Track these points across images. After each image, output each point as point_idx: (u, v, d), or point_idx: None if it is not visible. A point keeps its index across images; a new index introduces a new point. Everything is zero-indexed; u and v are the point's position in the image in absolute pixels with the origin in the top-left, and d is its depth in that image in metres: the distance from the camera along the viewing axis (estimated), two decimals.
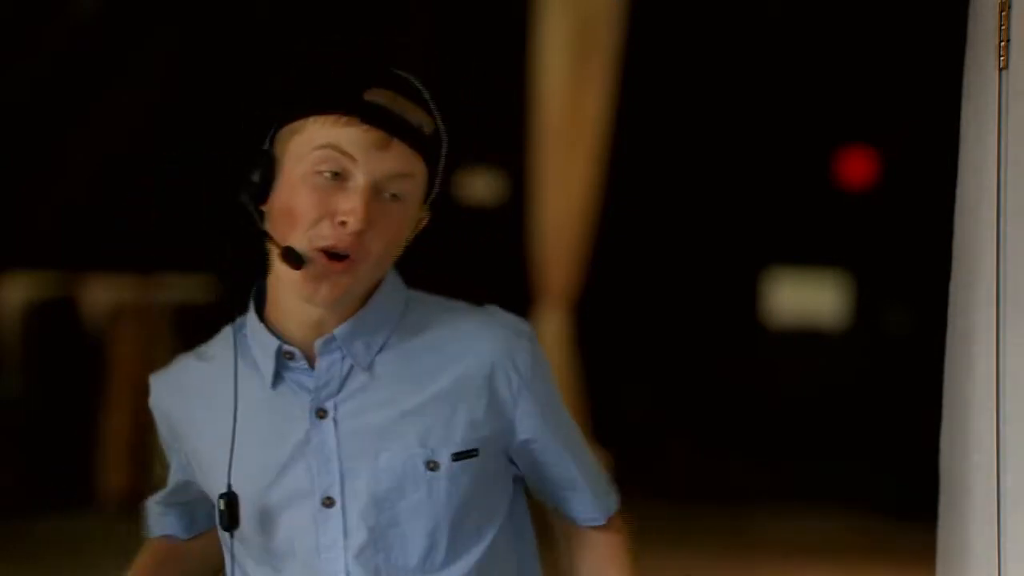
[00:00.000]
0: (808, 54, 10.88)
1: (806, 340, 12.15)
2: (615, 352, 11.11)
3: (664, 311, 11.52)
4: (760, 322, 12.26)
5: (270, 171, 1.81)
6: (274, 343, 1.84)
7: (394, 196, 1.78)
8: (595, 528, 2.02)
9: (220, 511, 1.84)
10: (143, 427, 8.69)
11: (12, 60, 9.56)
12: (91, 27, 9.80)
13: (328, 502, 1.82)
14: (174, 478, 2.02)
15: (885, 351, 11.46)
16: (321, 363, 1.83)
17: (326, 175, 1.76)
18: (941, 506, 1.90)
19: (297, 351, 1.83)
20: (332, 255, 1.77)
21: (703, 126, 11.18)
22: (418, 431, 1.83)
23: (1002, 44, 1.83)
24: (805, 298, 12.34)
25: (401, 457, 1.82)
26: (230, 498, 1.82)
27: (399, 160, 1.78)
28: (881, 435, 10.11)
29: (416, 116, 1.80)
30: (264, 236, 1.83)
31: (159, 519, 2.09)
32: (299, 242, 1.77)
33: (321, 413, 1.83)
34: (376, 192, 1.77)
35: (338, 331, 1.82)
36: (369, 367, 1.84)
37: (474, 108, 9.18)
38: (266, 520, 1.84)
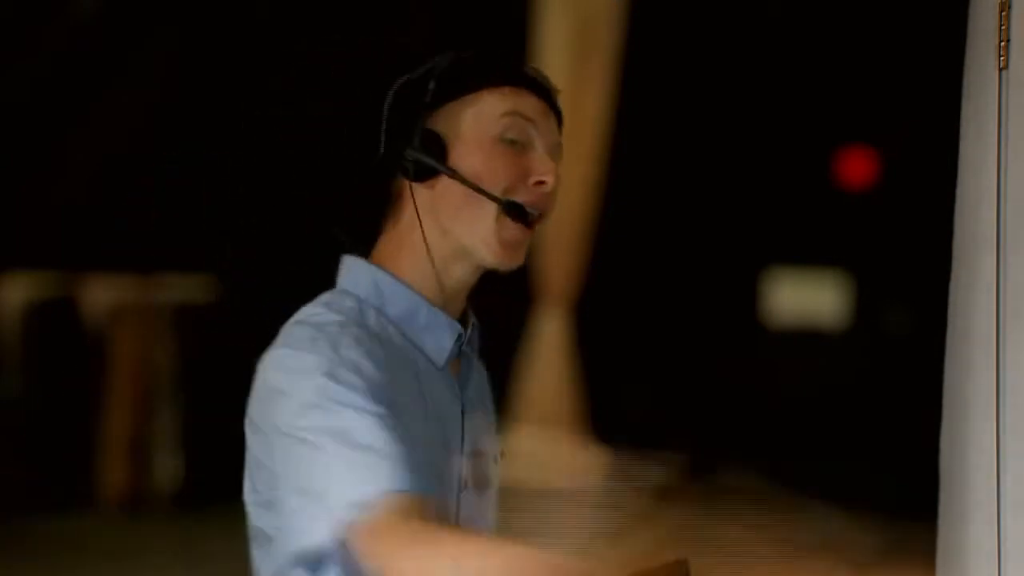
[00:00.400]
0: (808, 54, 10.88)
1: (806, 340, 12.15)
2: (615, 352, 11.11)
3: (664, 311, 11.52)
4: (760, 322, 12.26)
5: (441, 144, 1.86)
6: (456, 326, 1.90)
7: None
8: None
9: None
10: (143, 427, 8.69)
11: (12, 60, 9.56)
12: (91, 27, 9.80)
13: (464, 484, 1.88)
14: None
15: (885, 351, 11.46)
16: (468, 349, 1.93)
17: (511, 141, 1.86)
18: (941, 506, 1.90)
19: (464, 334, 1.92)
20: (535, 215, 1.88)
21: (703, 126, 11.18)
22: (488, 424, 1.98)
23: (1002, 44, 1.83)
24: (805, 298, 12.34)
25: (492, 448, 1.96)
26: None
27: (555, 129, 1.92)
28: (881, 435, 10.11)
29: (552, 86, 1.96)
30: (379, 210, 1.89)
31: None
32: (493, 205, 1.85)
33: (463, 397, 1.92)
34: None
35: (474, 321, 1.95)
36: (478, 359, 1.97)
37: None
38: (442, 494, 1.86)
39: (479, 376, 1.99)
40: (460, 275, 1.90)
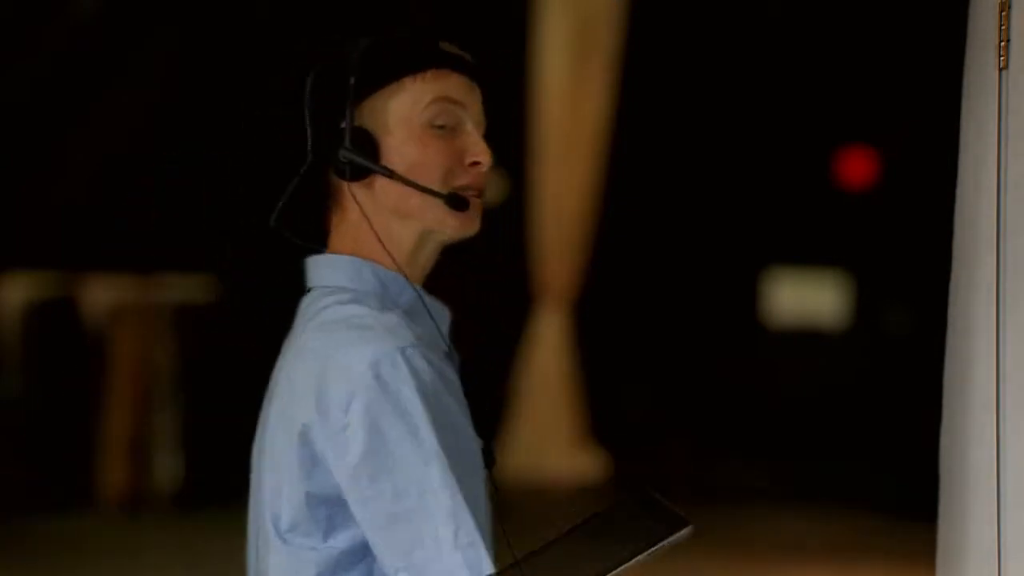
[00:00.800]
0: (808, 54, 10.89)
1: (806, 340, 12.15)
2: (615, 352, 11.11)
3: (664, 311, 11.53)
4: (760, 322, 12.27)
5: (372, 140, 1.85)
6: (446, 309, 1.92)
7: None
8: None
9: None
10: (143, 427, 8.69)
11: (12, 60, 9.56)
12: (91, 27, 9.81)
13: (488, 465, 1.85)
14: None
15: (885, 351, 11.47)
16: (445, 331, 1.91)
17: (440, 126, 1.86)
18: (941, 506, 1.90)
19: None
20: (473, 194, 1.88)
21: (703, 126, 11.19)
22: None
23: (1002, 44, 1.83)
24: (805, 298, 12.34)
25: None
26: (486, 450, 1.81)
27: (480, 101, 1.91)
28: (881, 435, 10.12)
29: (470, 56, 1.92)
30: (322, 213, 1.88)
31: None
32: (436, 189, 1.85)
33: None
34: None
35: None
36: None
37: None
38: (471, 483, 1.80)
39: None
40: (428, 254, 1.89)
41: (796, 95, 10.99)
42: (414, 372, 1.74)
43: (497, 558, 1.73)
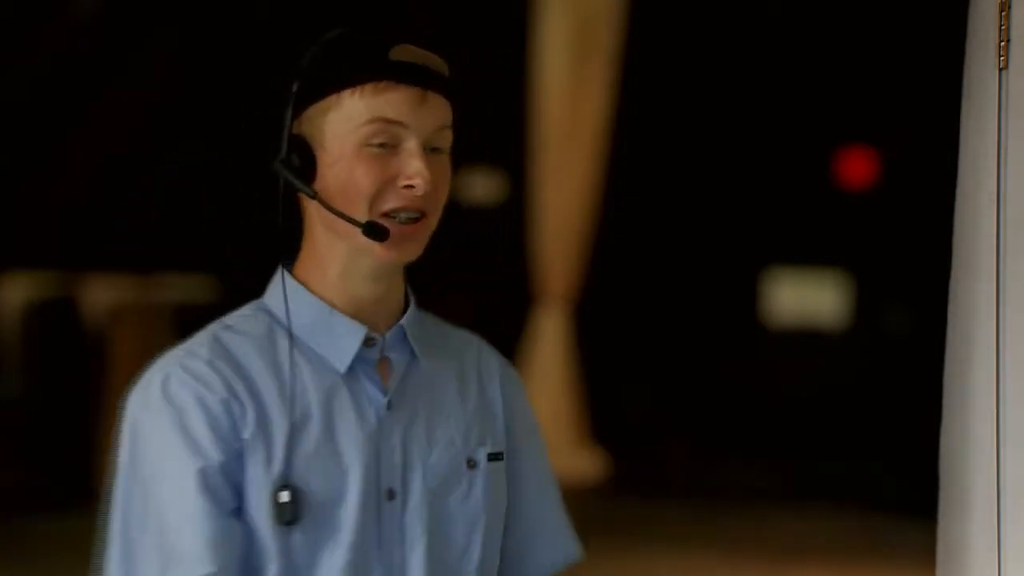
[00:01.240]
0: (808, 54, 10.88)
1: (806, 340, 12.15)
2: (615, 352, 11.11)
3: (664, 311, 11.52)
4: (760, 322, 12.27)
5: (309, 154, 1.78)
6: (360, 329, 1.80)
7: (435, 149, 1.79)
8: None
9: (282, 504, 1.74)
10: None
11: (12, 60, 9.56)
12: (91, 27, 9.81)
13: (390, 495, 1.79)
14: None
15: (885, 351, 11.46)
16: (393, 354, 1.83)
17: (380, 144, 1.76)
18: (941, 506, 1.90)
19: (379, 337, 1.82)
20: (406, 220, 1.77)
21: (703, 126, 11.18)
22: (461, 429, 1.87)
23: (1002, 44, 1.83)
24: (805, 298, 12.34)
25: (448, 454, 1.84)
26: (295, 490, 1.74)
27: (437, 112, 1.79)
28: (881, 435, 10.11)
29: (436, 62, 1.81)
30: (295, 221, 1.83)
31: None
32: (363, 216, 1.76)
33: (390, 404, 1.82)
34: (424, 148, 1.78)
35: (405, 322, 1.84)
36: (425, 360, 1.87)
37: (474, 108, 9.18)
38: (333, 515, 1.77)
39: (439, 377, 1.88)
40: (366, 275, 1.81)
41: (796, 95, 10.98)
42: (166, 400, 1.77)
43: None
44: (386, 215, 1.76)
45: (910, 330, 11.33)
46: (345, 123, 1.76)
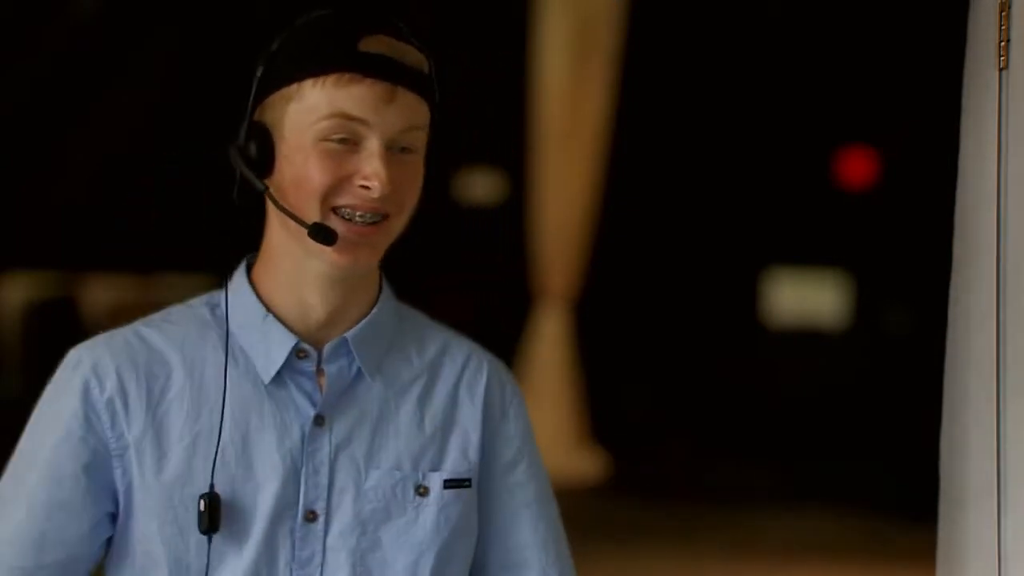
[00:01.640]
0: (808, 54, 10.89)
1: (806, 340, 12.15)
2: (615, 352, 11.11)
3: (664, 311, 11.53)
4: (760, 322, 12.27)
5: (267, 144, 1.68)
6: (291, 339, 1.69)
7: (404, 149, 1.66)
8: None
9: (199, 512, 1.65)
10: None
11: (12, 60, 9.56)
12: (91, 27, 9.81)
13: (311, 516, 1.68)
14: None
15: (885, 351, 11.46)
16: (331, 368, 1.71)
17: (340, 139, 1.64)
18: (941, 506, 1.90)
19: (311, 350, 1.70)
20: (362, 221, 1.65)
21: (703, 126, 11.19)
22: (411, 452, 1.72)
23: (1002, 44, 1.83)
24: (805, 298, 12.34)
25: (391, 478, 1.71)
26: (212, 499, 1.65)
27: (407, 112, 1.65)
28: (881, 435, 10.12)
29: (413, 57, 1.67)
30: (252, 215, 1.74)
31: None
32: (315, 213, 1.64)
33: (320, 420, 1.70)
34: (390, 148, 1.65)
35: (351, 335, 1.71)
36: (372, 377, 1.73)
37: (474, 108, 9.18)
38: (238, 528, 1.67)
39: (393, 395, 1.74)
40: (317, 280, 1.69)
41: (796, 95, 10.99)
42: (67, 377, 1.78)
43: None
44: (340, 215, 1.64)
45: (910, 330, 11.34)
46: (305, 114, 1.64)
